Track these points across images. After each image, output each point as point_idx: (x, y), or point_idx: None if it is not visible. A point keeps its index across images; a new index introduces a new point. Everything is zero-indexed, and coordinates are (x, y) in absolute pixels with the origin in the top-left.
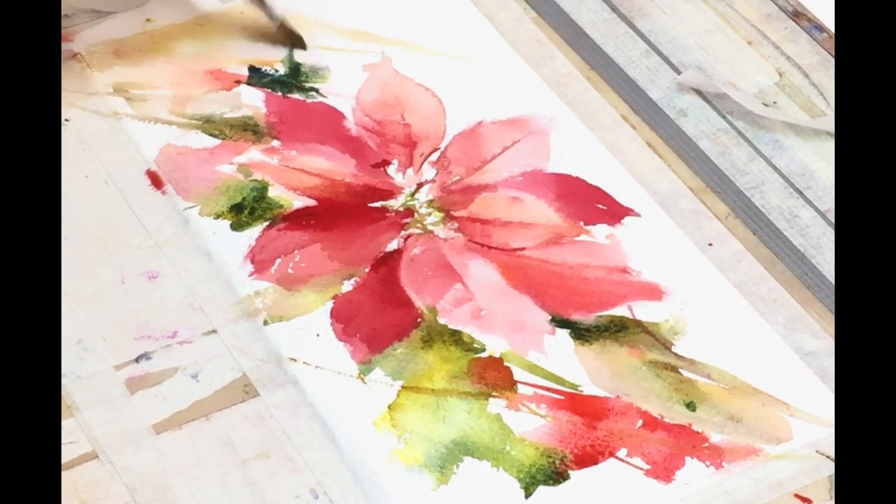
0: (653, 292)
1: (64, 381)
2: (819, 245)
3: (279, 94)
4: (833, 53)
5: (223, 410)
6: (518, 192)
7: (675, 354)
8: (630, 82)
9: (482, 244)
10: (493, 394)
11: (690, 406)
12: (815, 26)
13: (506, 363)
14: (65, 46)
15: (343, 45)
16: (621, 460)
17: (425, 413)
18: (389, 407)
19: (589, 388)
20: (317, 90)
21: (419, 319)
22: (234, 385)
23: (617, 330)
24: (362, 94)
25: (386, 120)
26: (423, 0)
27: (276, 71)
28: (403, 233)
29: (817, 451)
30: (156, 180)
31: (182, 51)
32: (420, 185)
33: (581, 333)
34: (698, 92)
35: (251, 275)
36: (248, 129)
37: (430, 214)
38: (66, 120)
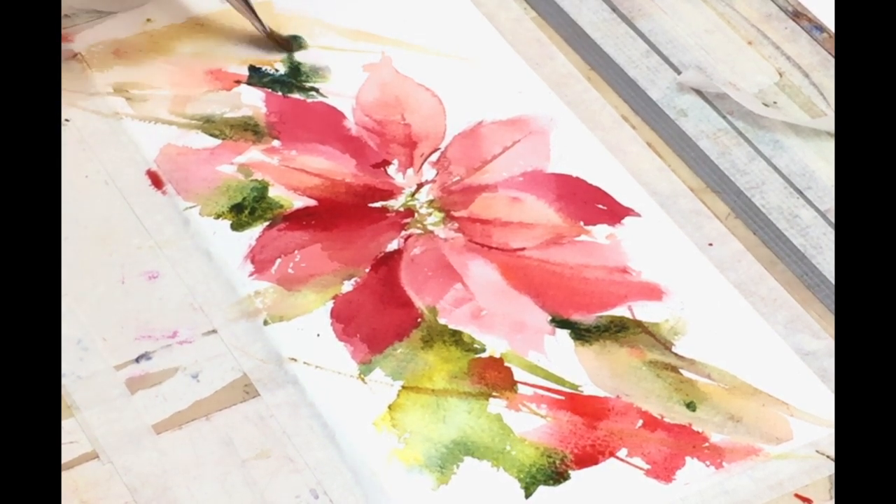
0: (653, 292)
1: (64, 381)
2: (819, 245)
3: (279, 93)
4: (833, 53)
5: (223, 410)
6: (518, 193)
7: (676, 354)
8: (630, 82)
9: (482, 244)
10: (494, 394)
11: (690, 406)
12: (815, 26)
13: (506, 363)
14: (65, 46)
15: (343, 44)
16: (621, 460)
17: (425, 413)
18: (389, 407)
19: (589, 389)
20: (317, 90)
21: (419, 319)
22: (235, 385)
23: (617, 330)
24: (362, 94)
25: (386, 120)
26: (423, 0)
27: (277, 71)
28: (404, 233)
29: (817, 451)
30: (156, 180)
31: (182, 51)
32: (420, 186)
33: (581, 334)
34: (698, 92)
35: (251, 275)
36: (249, 129)
37: (430, 214)
38: (67, 120)
